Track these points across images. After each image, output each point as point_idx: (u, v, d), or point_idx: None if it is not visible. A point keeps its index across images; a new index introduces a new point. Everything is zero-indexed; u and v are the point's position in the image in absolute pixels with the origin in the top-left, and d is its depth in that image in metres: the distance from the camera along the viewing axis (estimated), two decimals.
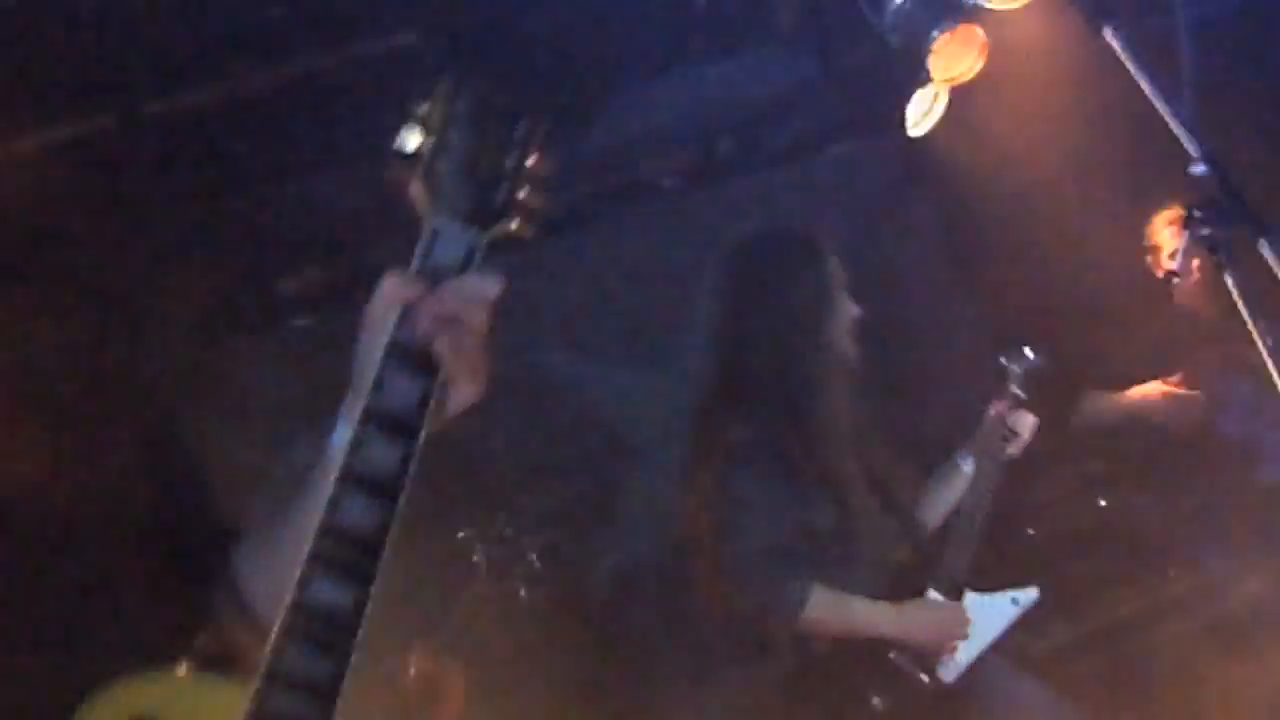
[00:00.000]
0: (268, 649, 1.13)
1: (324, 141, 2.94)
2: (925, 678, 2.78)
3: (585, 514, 3.63)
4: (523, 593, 3.35)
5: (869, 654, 2.80)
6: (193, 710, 1.39)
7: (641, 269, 3.52)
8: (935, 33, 2.99)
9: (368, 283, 1.22)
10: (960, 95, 3.11)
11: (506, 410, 3.27)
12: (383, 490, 1.15)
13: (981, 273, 3.92)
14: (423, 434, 1.19)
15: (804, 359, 2.81)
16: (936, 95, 3.12)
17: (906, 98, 3.19)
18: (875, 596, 2.77)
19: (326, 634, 1.14)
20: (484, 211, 1.26)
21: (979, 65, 2.97)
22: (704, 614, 2.93)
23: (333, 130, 2.97)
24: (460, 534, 3.33)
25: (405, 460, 1.17)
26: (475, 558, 3.32)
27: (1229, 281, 2.03)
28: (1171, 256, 3.38)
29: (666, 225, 3.55)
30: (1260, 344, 1.97)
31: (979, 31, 2.93)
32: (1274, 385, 1.98)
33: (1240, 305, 1.98)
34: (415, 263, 1.23)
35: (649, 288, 3.53)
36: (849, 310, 2.86)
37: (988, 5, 2.82)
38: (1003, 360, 3.01)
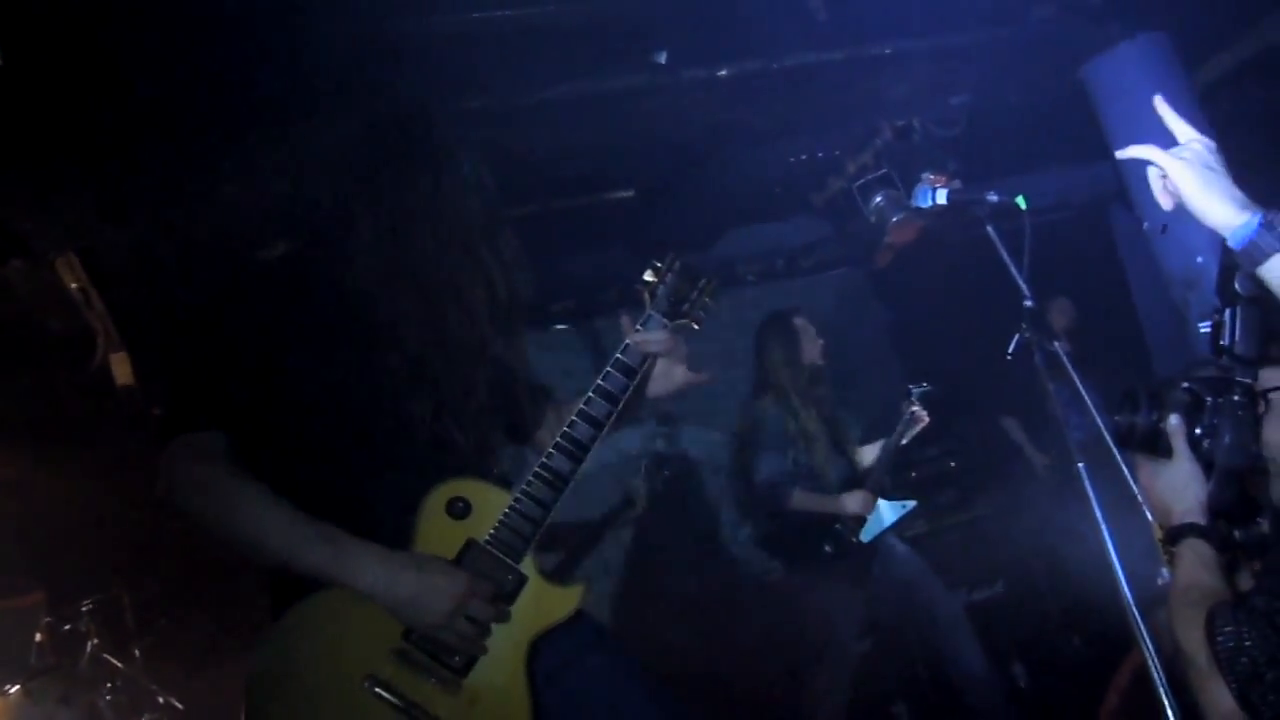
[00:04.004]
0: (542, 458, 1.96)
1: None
2: (854, 539, 4.52)
3: None
4: None
5: (821, 522, 4.50)
6: (483, 495, 1.97)
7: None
8: (894, 219, 5.18)
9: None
10: (903, 252, 5.64)
11: None
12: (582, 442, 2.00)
13: (905, 336, 6.47)
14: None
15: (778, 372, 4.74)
16: (890, 249, 5.68)
17: (876, 249, 5.76)
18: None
19: (571, 451, 1.98)
20: (676, 313, 2.20)
21: (911, 238, 5.49)
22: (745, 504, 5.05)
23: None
24: None
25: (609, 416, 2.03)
26: None
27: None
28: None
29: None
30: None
31: (914, 223, 5.42)
32: None
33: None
34: (635, 328, 2.14)
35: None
36: (815, 344, 4.77)
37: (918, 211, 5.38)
38: (910, 386, 4.87)
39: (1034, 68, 4.97)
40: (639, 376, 2.09)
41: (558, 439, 2.01)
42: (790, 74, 4.33)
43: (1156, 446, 1.96)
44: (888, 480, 4.77)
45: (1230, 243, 1.78)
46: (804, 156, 5.46)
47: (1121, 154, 2.00)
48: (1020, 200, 3.05)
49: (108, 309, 4.64)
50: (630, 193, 5.26)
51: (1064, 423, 3.00)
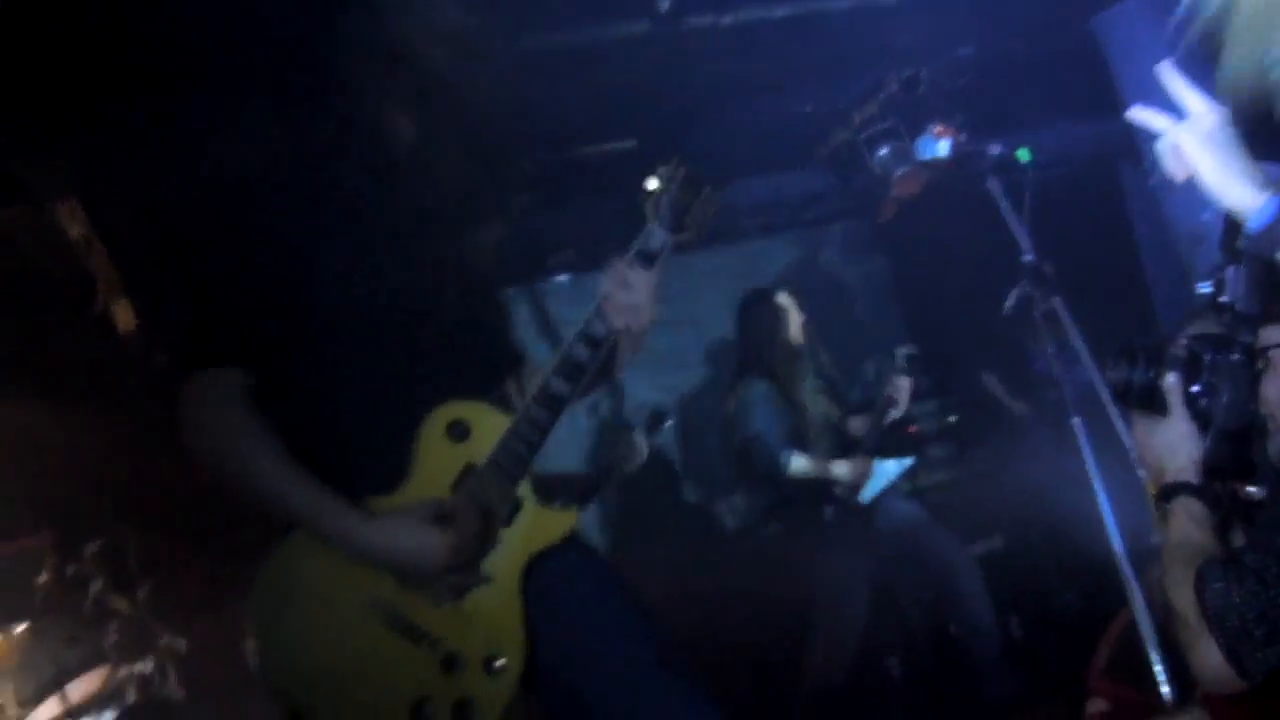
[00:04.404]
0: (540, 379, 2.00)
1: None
2: (854, 499, 4.49)
3: None
4: None
5: (819, 487, 4.49)
6: (482, 417, 2.01)
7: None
8: (898, 171, 5.11)
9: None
10: (906, 205, 5.60)
11: None
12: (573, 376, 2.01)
13: (908, 290, 6.49)
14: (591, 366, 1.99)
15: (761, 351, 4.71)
16: (894, 202, 5.66)
17: (880, 202, 5.73)
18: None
19: (569, 374, 2.00)
20: (677, 225, 2.10)
21: (916, 191, 5.45)
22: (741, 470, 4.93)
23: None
24: None
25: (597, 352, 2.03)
26: None
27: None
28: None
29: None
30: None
31: (919, 176, 5.38)
32: None
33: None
34: (634, 244, 2.05)
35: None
36: (799, 322, 4.70)
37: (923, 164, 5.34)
38: (896, 349, 4.71)
39: (1043, 18, 4.90)
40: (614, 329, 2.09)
41: (556, 362, 2.02)
42: (794, 22, 4.28)
43: (1152, 403, 1.95)
44: (883, 440, 4.74)
45: (1249, 225, 1.72)
46: (808, 108, 5.41)
47: (1132, 117, 1.92)
48: (1023, 153, 3.03)
49: (110, 255, 4.65)
50: (631, 143, 5.18)
51: (1060, 377, 3.01)
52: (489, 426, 1.99)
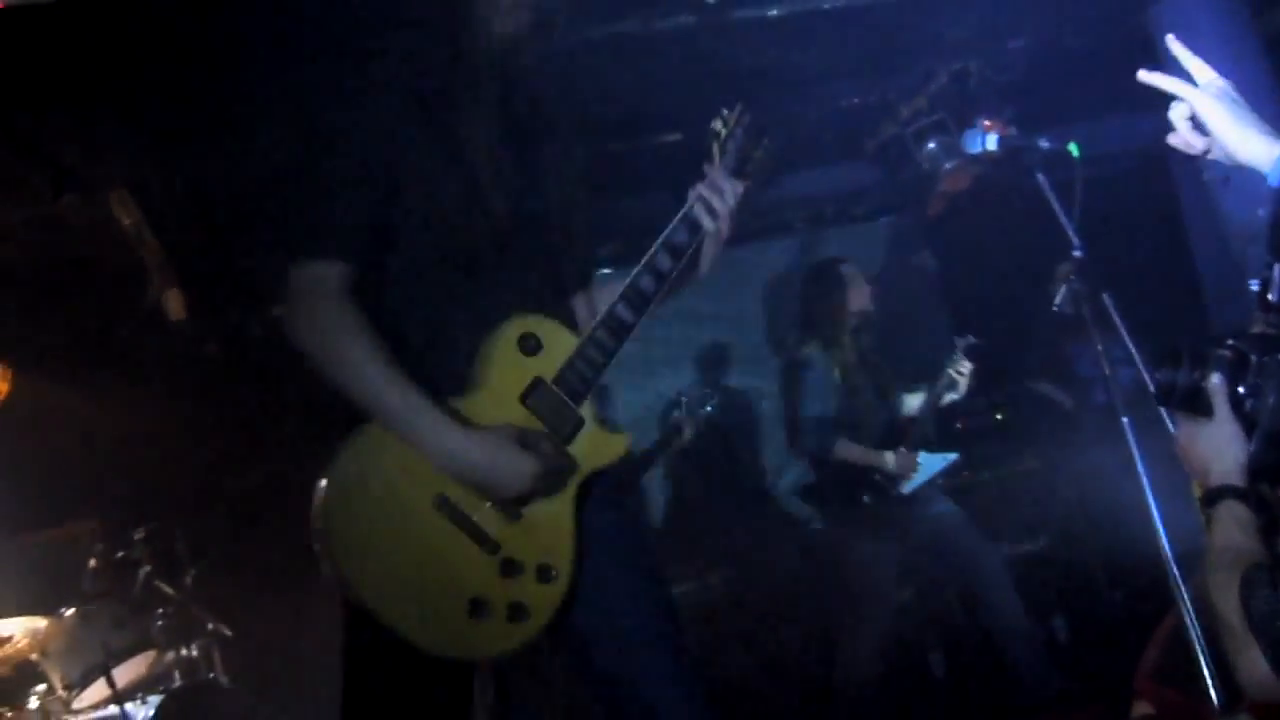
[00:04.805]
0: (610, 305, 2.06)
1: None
2: (894, 489, 4.50)
3: None
4: None
5: (864, 473, 4.52)
6: (554, 334, 2.05)
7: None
8: (947, 166, 5.20)
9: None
10: (954, 200, 5.54)
11: None
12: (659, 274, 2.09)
13: (955, 285, 6.41)
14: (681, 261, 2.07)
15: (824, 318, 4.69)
16: (943, 197, 5.59)
17: (929, 196, 5.68)
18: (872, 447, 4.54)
19: (635, 302, 2.06)
20: (739, 170, 2.22)
21: (965, 186, 5.41)
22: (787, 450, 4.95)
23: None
24: None
25: (671, 270, 2.10)
26: None
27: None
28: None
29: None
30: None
31: (968, 171, 5.34)
32: None
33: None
34: (711, 180, 2.17)
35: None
36: (863, 292, 4.71)
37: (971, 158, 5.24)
38: (956, 338, 4.75)
39: (1096, 9, 4.82)
40: (701, 233, 2.16)
41: (624, 289, 2.07)
42: (843, 14, 4.24)
43: (1197, 405, 1.91)
44: (931, 431, 4.74)
45: (1271, 178, 1.73)
46: (856, 100, 5.36)
47: (1145, 77, 1.96)
48: (1072, 147, 2.98)
49: (161, 243, 4.72)
50: (677, 136, 5.16)
51: (1109, 376, 2.95)
52: (559, 343, 2.04)
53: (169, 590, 4.49)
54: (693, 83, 4.60)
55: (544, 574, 1.98)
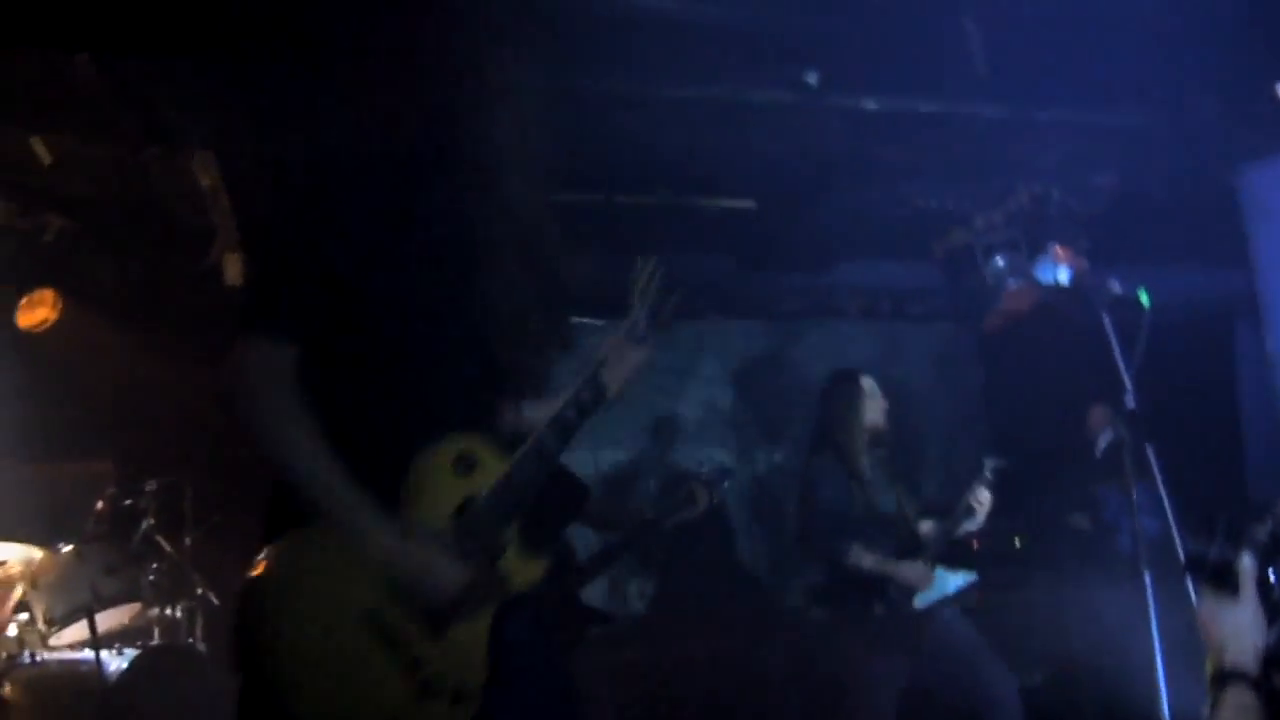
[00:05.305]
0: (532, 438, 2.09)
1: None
2: (907, 603, 4.37)
3: None
4: None
5: (875, 583, 4.39)
6: (487, 456, 2.06)
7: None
8: (1012, 284, 5.20)
9: None
10: (1012, 319, 5.52)
11: None
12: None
13: (998, 404, 6.38)
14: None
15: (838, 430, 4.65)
16: (1002, 315, 5.55)
17: (988, 311, 5.64)
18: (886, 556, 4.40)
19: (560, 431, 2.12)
20: (654, 322, 2.31)
21: (1025, 307, 5.36)
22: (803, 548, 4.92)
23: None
24: None
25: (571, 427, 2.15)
26: None
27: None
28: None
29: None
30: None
31: (1032, 294, 5.28)
32: None
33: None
34: (625, 325, 2.27)
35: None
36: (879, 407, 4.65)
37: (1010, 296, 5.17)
38: (985, 458, 4.63)
39: (1188, 161, 4.82)
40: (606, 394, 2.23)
41: (553, 417, 2.13)
42: (938, 118, 4.26)
43: (1224, 582, 1.88)
44: (947, 549, 4.62)
45: None
46: (933, 203, 5.37)
47: None
48: (1144, 296, 2.96)
49: (232, 210, 4.79)
50: (749, 203, 5.21)
51: (1138, 527, 2.92)
52: (491, 465, 2.06)
53: (167, 547, 4.49)
54: (776, 155, 4.64)
55: (458, 696, 1.97)
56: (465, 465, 2.03)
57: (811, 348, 6.31)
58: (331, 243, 1.96)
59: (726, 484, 5.29)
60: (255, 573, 1.86)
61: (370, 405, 2.00)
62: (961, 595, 4.69)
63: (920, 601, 4.46)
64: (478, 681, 2.00)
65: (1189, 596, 2.80)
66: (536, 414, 2.19)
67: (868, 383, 4.73)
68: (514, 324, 2.12)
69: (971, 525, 4.58)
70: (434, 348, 2.04)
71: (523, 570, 2.09)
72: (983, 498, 4.54)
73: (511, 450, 2.09)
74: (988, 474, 4.59)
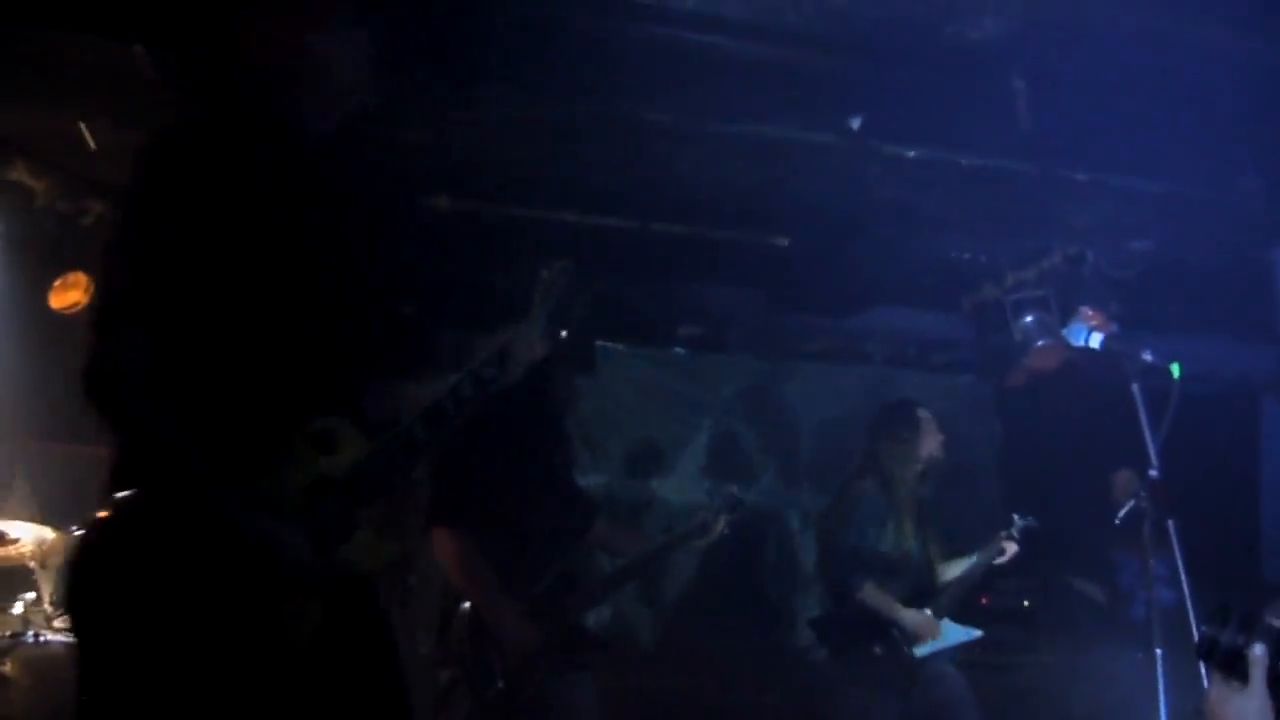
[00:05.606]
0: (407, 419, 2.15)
1: None
2: (907, 649, 4.40)
3: None
4: None
5: (880, 624, 4.41)
6: (350, 438, 2.09)
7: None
8: (1040, 343, 5.16)
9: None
10: (1037, 378, 5.50)
11: None
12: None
13: (1015, 462, 6.33)
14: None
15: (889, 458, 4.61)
16: (1026, 371, 5.52)
17: (1013, 367, 5.62)
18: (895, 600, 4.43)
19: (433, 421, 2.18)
20: (558, 318, 2.43)
21: (1051, 366, 5.34)
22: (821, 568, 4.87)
23: None
24: None
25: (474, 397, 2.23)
26: None
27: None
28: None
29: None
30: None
31: (1059, 354, 5.23)
32: None
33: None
34: (522, 326, 2.37)
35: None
36: (936, 438, 4.64)
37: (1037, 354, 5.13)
38: (1014, 515, 4.67)
39: (1225, 234, 4.80)
40: (506, 375, 2.29)
41: (427, 407, 2.17)
42: (978, 172, 4.27)
43: (1235, 669, 1.85)
44: (958, 602, 4.64)
45: None
46: (966, 255, 5.37)
47: None
48: (1175, 368, 2.94)
49: None
50: (784, 241, 5.21)
51: (1152, 600, 2.89)
52: (355, 447, 2.08)
53: None
54: (813, 196, 4.64)
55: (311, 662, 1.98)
56: (325, 444, 2.05)
57: (832, 393, 6.29)
58: (176, 233, 1.99)
59: (737, 516, 5.30)
60: (81, 540, 1.93)
61: (229, 384, 2.01)
62: (962, 650, 4.68)
63: (920, 650, 4.46)
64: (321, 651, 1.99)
65: (1199, 674, 2.77)
66: (421, 401, 2.20)
67: (925, 414, 4.72)
68: (358, 311, 2.16)
69: (1000, 561, 4.60)
70: (290, 329, 2.07)
71: (375, 552, 2.11)
72: (1007, 551, 4.56)
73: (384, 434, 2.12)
74: (1016, 532, 4.59)
